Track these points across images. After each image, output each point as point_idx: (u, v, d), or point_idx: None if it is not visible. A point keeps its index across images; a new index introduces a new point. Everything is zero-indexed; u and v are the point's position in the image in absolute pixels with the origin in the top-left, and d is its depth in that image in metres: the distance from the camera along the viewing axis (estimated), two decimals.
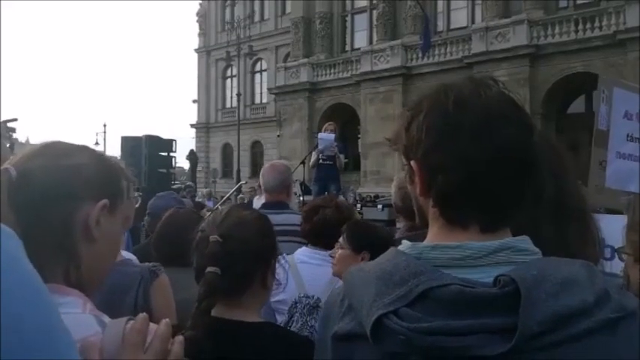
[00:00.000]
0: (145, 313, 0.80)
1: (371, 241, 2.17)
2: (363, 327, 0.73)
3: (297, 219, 2.97)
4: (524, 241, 0.77)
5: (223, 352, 1.22)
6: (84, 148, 0.99)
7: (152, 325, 0.80)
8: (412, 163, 0.81)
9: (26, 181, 0.85)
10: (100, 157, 0.99)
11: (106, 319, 0.85)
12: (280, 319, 2.23)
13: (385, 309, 0.70)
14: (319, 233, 2.50)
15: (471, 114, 0.76)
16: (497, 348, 0.65)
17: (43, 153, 0.92)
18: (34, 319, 0.56)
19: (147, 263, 1.87)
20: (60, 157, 0.92)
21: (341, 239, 2.25)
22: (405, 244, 0.80)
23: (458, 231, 0.78)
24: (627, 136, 3.12)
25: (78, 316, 0.82)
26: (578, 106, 19.39)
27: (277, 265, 1.47)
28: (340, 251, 2.22)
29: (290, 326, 2.09)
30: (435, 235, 0.80)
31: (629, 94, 3.15)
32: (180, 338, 0.80)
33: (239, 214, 1.41)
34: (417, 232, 1.31)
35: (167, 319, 0.82)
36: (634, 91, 3.18)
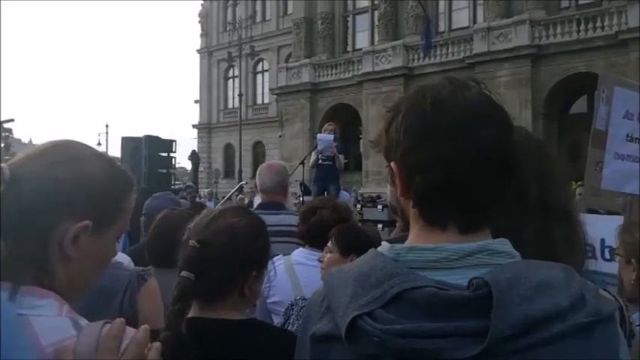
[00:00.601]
0: (121, 318, 0.79)
1: (359, 244, 2.14)
2: (339, 328, 0.73)
3: (293, 219, 2.97)
4: (503, 244, 0.77)
5: (206, 350, 1.22)
6: (93, 158, 0.92)
7: (130, 330, 0.80)
8: (392, 164, 0.80)
9: (15, 185, 0.83)
10: (106, 171, 0.92)
11: (83, 322, 0.83)
12: (277, 321, 2.22)
13: (360, 310, 0.71)
14: (316, 234, 2.50)
15: (449, 115, 0.75)
16: (469, 351, 0.65)
17: (42, 157, 0.88)
18: None
19: (136, 267, 1.85)
20: (57, 165, 0.87)
21: (329, 243, 2.24)
22: (385, 246, 0.80)
23: (437, 232, 0.77)
24: (627, 136, 3.08)
25: (53, 319, 0.81)
26: (580, 106, 19.34)
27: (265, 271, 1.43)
28: (329, 255, 2.21)
29: (286, 328, 2.09)
30: (414, 237, 0.80)
31: (630, 93, 3.10)
32: (157, 344, 0.79)
33: (226, 220, 1.36)
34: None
35: (146, 325, 0.81)
36: (635, 90, 3.14)
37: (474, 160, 0.74)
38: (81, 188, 0.87)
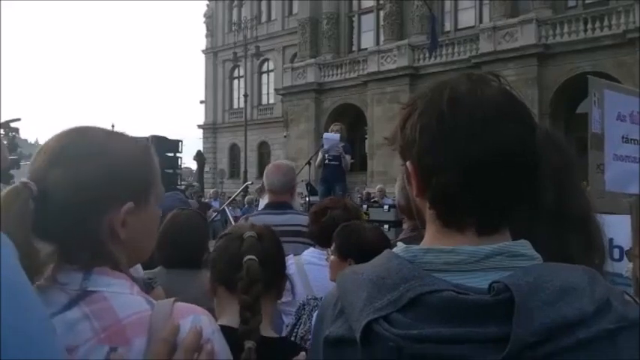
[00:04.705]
0: (175, 323, 0.83)
1: (356, 246, 2.08)
2: (353, 332, 0.70)
3: (300, 219, 2.96)
4: (523, 246, 0.74)
5: None
6: (107, 137, 0.92)
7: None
8: (408, 163, 0.78)
9: (46, 194, 0.83)
10: (123, 145, 0.92)
11: (153, 301, 0.89)
12: (287, 321, 2.21)
13: (375, 314, 0.68)
14: (327, 235, 2.48)
15: (467, 113, 0.72)
16: (489, 358, 0.63)
17: (62, 155, 0.87)
18: (14, 324, 0.57)
19: (142, 275, 1.82)
20: (80, 161, 0.86)
21: (332, 245, 2.20)
22: (400, 247, 0.77)
23: (454, 234, 0.75)
24: (622, 137, 3.06)
25: (127, 296, 0.86)
26: (587, 105, 19.18)
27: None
28: (332, 258, 2.17)
29: (298, 328, 2.08)
30: (431, 238, 0.78)
31: (620, 95, 3.10)
32: (208, 347, 0.82)
33: (259, 226, 1.48)
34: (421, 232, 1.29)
35: (196, 327, 0.84)
36: (625, 93, 3.13)
37: (494, 161, 0.71)
38: (112, 171, 0.88)
